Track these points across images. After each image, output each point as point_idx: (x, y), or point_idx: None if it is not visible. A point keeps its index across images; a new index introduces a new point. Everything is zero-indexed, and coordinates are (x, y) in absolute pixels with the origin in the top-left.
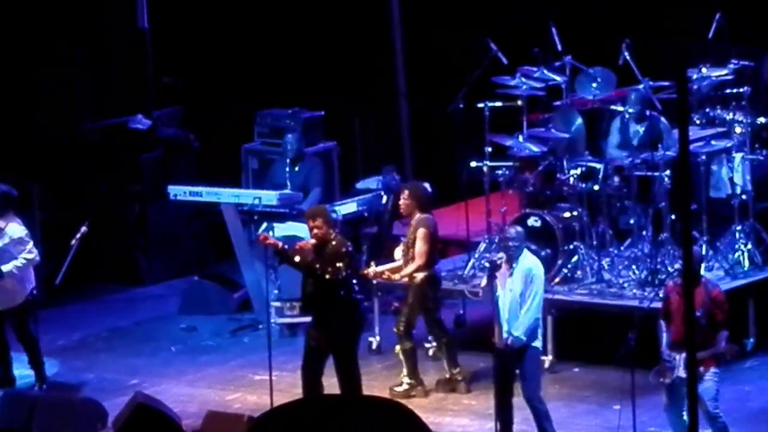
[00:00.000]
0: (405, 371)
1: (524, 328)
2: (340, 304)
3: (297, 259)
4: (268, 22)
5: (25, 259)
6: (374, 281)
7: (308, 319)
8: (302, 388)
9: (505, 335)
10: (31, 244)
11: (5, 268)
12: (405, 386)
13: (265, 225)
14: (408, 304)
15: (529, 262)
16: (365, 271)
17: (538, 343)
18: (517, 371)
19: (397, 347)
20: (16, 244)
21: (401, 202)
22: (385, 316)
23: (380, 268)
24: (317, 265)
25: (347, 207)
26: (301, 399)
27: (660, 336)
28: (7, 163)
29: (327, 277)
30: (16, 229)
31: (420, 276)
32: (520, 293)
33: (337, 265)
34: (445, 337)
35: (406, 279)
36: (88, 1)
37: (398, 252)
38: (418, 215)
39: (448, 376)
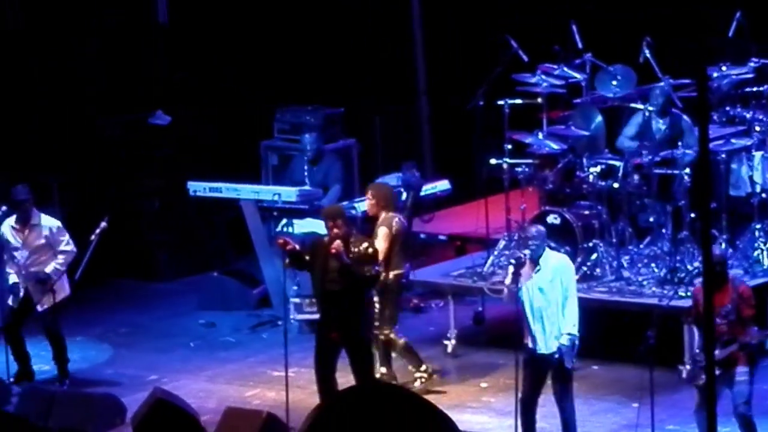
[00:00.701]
0: (411, 367)
1: (575, 322)
2: (361, 303)
3: (306, 259)
4: (290, 18)
5: (64, 254)
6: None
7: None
8: (317, 384)
9: (546, 339)
10: (67, 236)
11: (48, 269)
12: (419, 382)
13: (284, 221)
14: (383, 307)
15: (557, 259)
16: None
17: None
18: (551, 374)
19: (394, 354)
20: (55, 235)
21: (366, 203)
22: (404, 313)
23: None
24: (355, 268)
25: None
26: (354, 388)
27: (690, 337)
28: (27, 159)
29: (367, 276)
30: (50, 221)
31: (392, 275)
32: (556, 292)
33: (366, 267)
34: (395, 339)
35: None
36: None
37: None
38: (383, 215)
39: (385, 371)
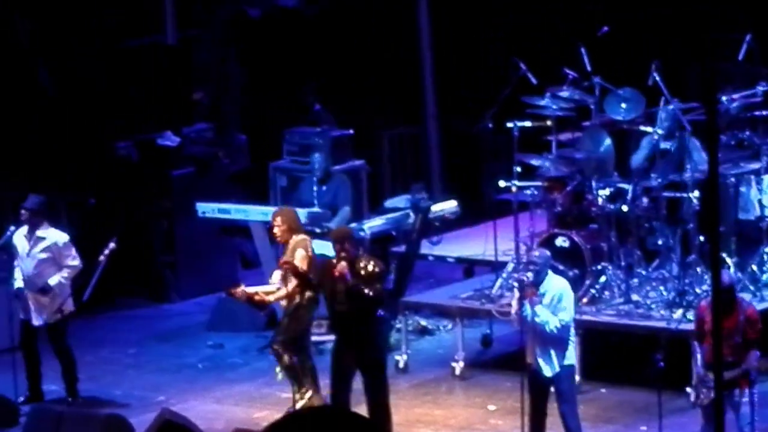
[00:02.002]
0: (297, 387)
1: (545, 317)
2: (372, 324)
3: (312, 280)
4: (298, 39)
5: (69, 268)
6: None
7: (334, 337)
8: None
9: (544, 362)
10: (73, 250)
11: (52, 281)
12: (305, 400)
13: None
14: (286, 323)
15: (559, 283)
16: (233, 291)
17: (573, 361)
18: (553, 389)
19: (278, 368)
20: (61, 249)
21: (275, 229)
22: (412, 336)
23: (251, 289)
24: (359, 288)
25: (375, 225)
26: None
27: (694, 356)
28: (37, 178)
29: (371, 295)
30: (58, 235)
31: (306, 296)
32: (554, 312)
33: (376, 286)
34: (309, 361)
35: (282, 301)
36: (119, 17)
37: (276, 275)
38: (294, 238)
39: (298, 397)
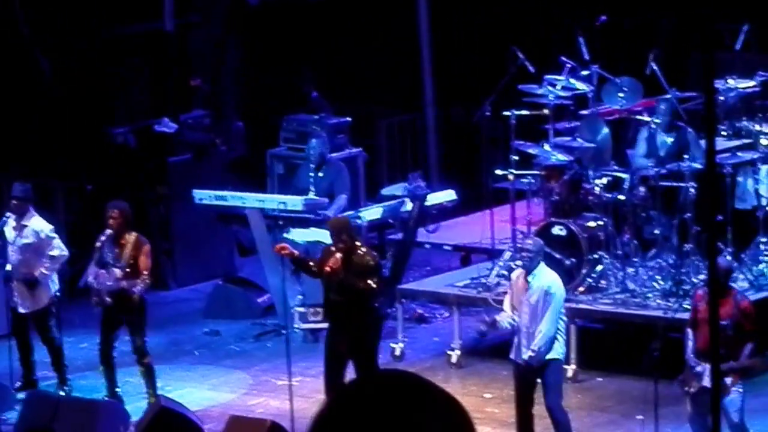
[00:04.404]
0: (152, 390)
1: (539, 347)
2: (364, 315)
3: (312, 266)
4: (296, 27)
5: (51, 259)
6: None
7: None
8: (325, 395)
9: (524, 351)
10: (57, 240)
11: (37, 273)
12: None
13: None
14: (137, 321)
15: (548, 278)
16: (328, 265)
17: (559, 355)
18: (539, 381)
19: (141, 369)
20: (42, 240)
21: (111, 221)
22: (408, 323)
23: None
24: (352, 281)
25: (372, 213)
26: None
27: (686, 343)
28: (33, 164)
29: (363, 289)
30: (40, 224)
31: (142, 290)
32: (539, 309)
33: (368, 280)
34: (148, 358)
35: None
36: (118, 4)
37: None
38: (132, 234)
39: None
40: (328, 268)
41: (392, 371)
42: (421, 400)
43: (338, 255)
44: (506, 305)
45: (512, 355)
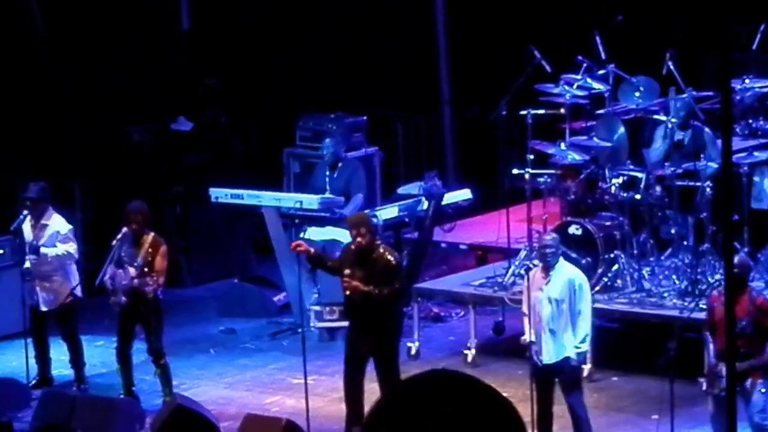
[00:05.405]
0: (168, 389)
1: (585, 339)
2: (387, 314)
3: (329, 264)
4: (314, 26)
5: (65, 251)
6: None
7: (347, 323)
8: (344, 394)
9: (545, 349)
10: (72, 243)
11: (47, 250)
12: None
13: (307, 229)
14: (154, 322)
15: (571, 271)
16: (347, 288)
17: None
18: (557, 380)
19: (157, 370)
20: (62, 239)
21: (135, 226)
22: (424, 322)
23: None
24: (377, 294)
25: (388, 212)
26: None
27: (707, 347)
28: (50, 163)
29: (388, 295)
30: (61, 224)
31: (155, 290)
32: (567, 304)
33: (393, 284)
34: (163, 359)
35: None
36: (132, 2)
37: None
38: (150, 233)
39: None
40: (348, 292)
41: (445, 371)
42: (479, 398)
43: (354, 283)
44: (525, 307)
45: (533, 356)
